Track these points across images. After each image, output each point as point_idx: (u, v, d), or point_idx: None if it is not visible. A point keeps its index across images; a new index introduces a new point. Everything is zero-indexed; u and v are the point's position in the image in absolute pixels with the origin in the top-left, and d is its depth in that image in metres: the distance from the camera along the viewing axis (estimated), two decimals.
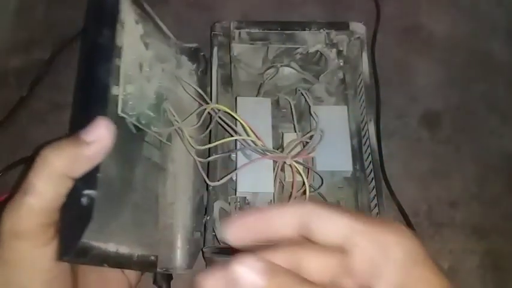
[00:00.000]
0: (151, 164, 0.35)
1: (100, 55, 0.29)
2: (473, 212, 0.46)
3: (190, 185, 0.40)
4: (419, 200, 0.46)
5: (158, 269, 0.36)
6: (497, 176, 0.47)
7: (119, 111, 0.30)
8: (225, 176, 0.38)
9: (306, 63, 0.46)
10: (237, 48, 0.43)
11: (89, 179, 0.26)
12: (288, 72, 0.45)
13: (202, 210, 0.40)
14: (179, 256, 0.38)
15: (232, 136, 0.39)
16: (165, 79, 0.38)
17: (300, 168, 0.38)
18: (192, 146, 0.38)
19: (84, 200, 0.25)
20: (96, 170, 0.26)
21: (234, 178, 0.40)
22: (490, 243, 0.44)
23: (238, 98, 0.43)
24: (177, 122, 0.37)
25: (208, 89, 0.42)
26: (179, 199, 0.39)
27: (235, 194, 0.40)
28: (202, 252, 0.36)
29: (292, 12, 0.54)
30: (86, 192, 0.25)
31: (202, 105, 0.40)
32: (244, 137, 0.39)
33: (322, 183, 0.40)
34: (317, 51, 0.44)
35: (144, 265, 0.34)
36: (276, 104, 0.45)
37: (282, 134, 0.43)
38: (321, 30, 0.43)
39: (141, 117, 0.33)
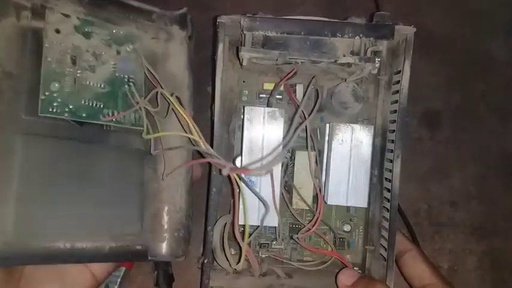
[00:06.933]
0: (129, 152, 0.35)
1: None
2: (473, 212, 0.46)
3: (183, 167, 0.37)
4: (419, 200, 0.46)
5: (150, 258, 0.35)
6: (497, 176, 0.47)
7: (39, 113, 0.30)
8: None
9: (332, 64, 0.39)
10: (247, 55, 0.37)
11: None
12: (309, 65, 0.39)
13: (192, 191, 0.38)
14: (173, 243, 0.36)
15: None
16: (127, 61, 0.35)
17: (240, 181, 0.32)
18: (142, 137, 0.36)
19: None
20: None
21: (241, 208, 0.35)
22: (490, 243, 0.44)
23: (246, 107, 0.38)
24: (137, 103, 0.34)
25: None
26: (174, 182, 0.37)
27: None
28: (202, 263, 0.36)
29: (291, 13, 0.54)
30: None
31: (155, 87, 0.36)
32: (186, 134, 0.35)
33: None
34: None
35: (126, 256, 0.34)
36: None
37: (294, 151, 0.39)
38: (357, 37, 0.36)
39: (78, 111, 0.32)
